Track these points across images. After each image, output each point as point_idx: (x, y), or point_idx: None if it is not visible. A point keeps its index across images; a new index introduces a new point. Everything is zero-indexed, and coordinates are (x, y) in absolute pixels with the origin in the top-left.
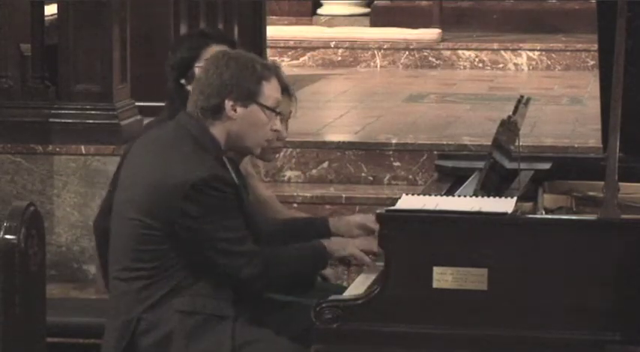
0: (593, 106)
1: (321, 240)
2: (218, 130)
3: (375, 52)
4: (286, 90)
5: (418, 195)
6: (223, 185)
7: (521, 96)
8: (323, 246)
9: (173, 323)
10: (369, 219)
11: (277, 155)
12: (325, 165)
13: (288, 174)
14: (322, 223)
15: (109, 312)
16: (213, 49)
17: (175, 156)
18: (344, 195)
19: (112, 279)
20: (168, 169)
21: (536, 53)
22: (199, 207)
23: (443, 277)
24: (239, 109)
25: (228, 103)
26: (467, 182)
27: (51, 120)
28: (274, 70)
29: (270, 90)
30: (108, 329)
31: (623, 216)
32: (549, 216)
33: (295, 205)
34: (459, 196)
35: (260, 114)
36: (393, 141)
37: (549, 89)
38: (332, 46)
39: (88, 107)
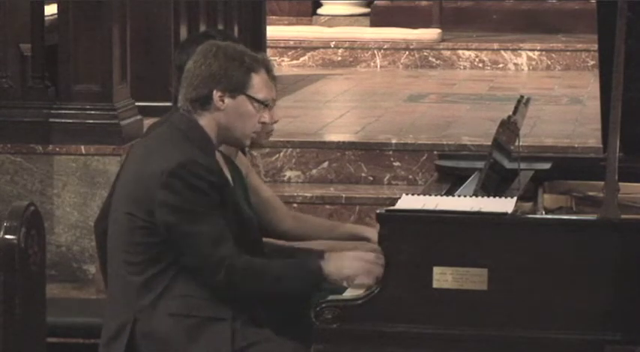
0: (593, 106)
1: (319, 258)
2: (207, 122)
3: (375, 52)
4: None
5: (418, 195)
6: (205, 172)
7: (521, 96)
8: (319, 267)
9: (168, 327)
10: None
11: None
12: (325, 165)
13: (288, 174)
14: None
15: (106, 312)
16: None
17: (159, 146)
18: (344, 195)
19: (109, 278)
20: (149, 158)
21: (536, 53)
22: (175, 195)
23: (443, 277)
24: (227, 100)
25: (216, 94)
26: (467, 182)
27: (51, 120)
28: (263, 63)
29: (259, 83)
30: (105, 328)
31: (623, 216)
32: (549, 216)
33: (295, 205)
34: (459, 196)
35: (248, 106)
36: (393, 141)
37: (549, 89)
38: (332, 46)
39: (88, 107)
